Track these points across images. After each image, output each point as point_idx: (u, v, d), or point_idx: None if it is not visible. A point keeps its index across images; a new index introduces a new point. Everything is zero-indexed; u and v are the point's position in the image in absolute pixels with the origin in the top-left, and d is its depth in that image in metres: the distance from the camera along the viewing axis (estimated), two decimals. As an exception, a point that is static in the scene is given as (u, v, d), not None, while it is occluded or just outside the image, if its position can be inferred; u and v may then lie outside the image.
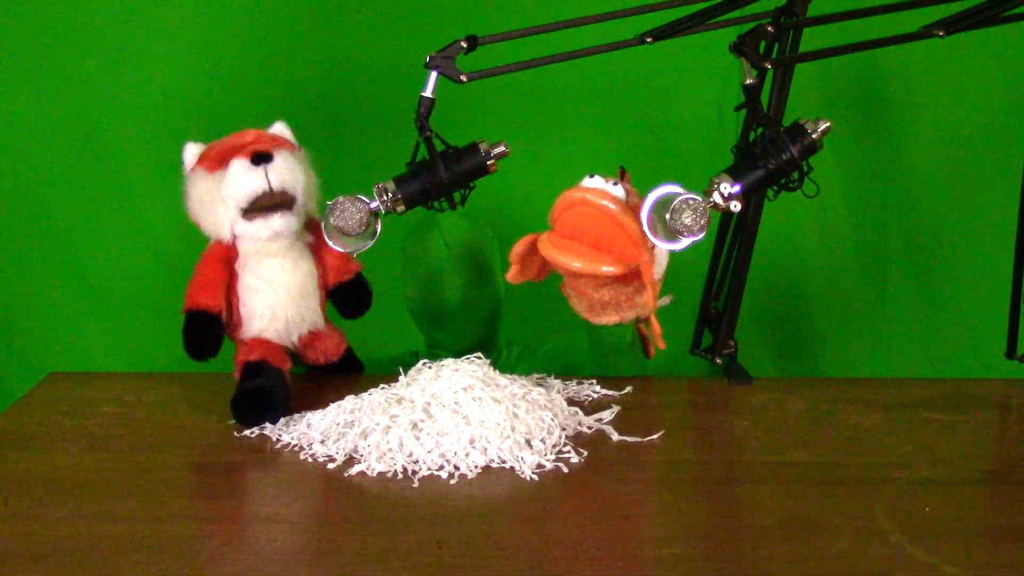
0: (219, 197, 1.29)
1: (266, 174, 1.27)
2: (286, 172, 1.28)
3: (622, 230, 1.24)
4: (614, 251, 1.25)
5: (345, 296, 1.40)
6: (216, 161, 1.29)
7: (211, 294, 1.30)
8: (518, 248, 1.31)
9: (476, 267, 1.52)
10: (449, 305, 1.50)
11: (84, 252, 1.81)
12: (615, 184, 1.27)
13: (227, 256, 1.32)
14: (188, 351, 1.30)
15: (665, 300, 1.35)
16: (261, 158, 1.28)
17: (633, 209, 1.25)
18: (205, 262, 1.32)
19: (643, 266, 1.25)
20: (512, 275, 1.32)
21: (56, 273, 1.81)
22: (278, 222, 1.29)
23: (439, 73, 1.18)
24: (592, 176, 1.28)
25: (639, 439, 1.20)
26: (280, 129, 1.36)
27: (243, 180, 1.27)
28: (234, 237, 1.31)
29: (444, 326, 1.53)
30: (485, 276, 1.53)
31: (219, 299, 1.30)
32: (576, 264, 1.25)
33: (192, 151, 1.32)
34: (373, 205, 1.21)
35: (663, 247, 1.19)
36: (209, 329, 1.30)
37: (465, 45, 1.18)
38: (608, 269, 1.25)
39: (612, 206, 1.24)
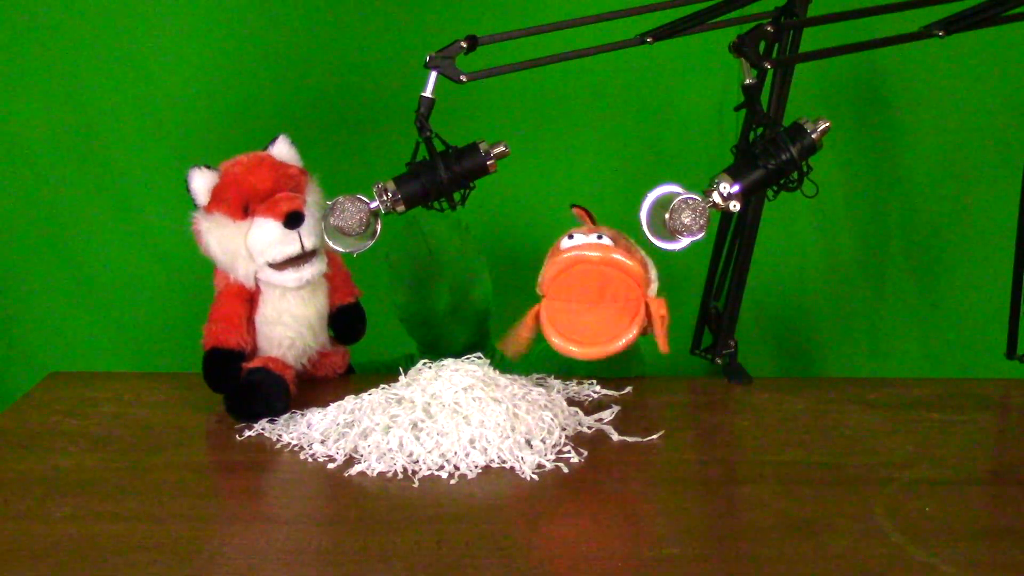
0: (243, 246, 1.28)
1: (300, 237, 1.27)
2: (316, 228, 1.28)
3: (625, 273, 1.23)
4: (618, 297, 1.24)
5: (344, 321, 1.40)
6: (238, 209, 1.27)
7: (233, 333, 1.30)
8: (524, 333, 1.29)
9: (461, 270, 1.52)
10: (437, 310, 1.51)
11: (84, 252, 1.81)
12: (599, 237, 1.25)
13: (247, 294, 1.32)
14: (209, 386, 1.31)
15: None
16: (295, 221, 1.26)
17: (624, 246, 1.25)
18: (224, 299, 1.32)
19: (653, 306, 1.24)
20: (514, 355, 1.31)
21: (56, 273, 1.81)
22: (308, 272, 1.29)
23: (439, 73, 1.18)
24: (571, 236, 1.26)
25: (639, 439, 1.20)
26: (284, 151, 1.33)
27: (277, 243, 1.26)
28: (256, 280, 1.31)
29: (434, 331, 1.53)
30: (471, 279, 1.53)
31: (241, 337, 1.31)
32: (594, 351, 1.25)
33: (199, 181, 1.28)
34: (373, 205, 1.21)
35: (663, 247, 1.19)
36: (231, 366, 1.30)
37: (465, 45, 1.18)
38: (625, 341, 1.24)
39: (613, 255, 1.23)
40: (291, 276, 1.29)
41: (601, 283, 1.25)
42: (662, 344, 1.29)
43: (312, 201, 1.30)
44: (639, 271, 1.24)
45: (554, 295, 1.25)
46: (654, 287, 1.29)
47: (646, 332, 1.29)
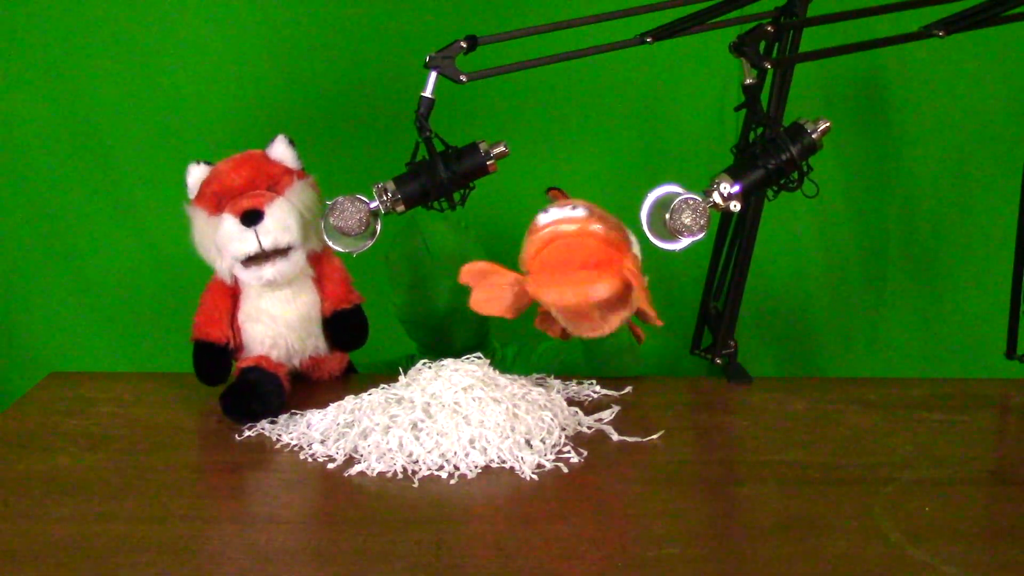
0: (215, 242, 1.28)
1: (256, 235, 1.26)
2: (278, 228, 1.27)
3: (603, 244, 1.21)
4: (600, 263, 1.22)
5: (341, 327, 1.38)
6: (212, 204, 1.29)
7: (215, 325, 1.32)
8: (470, 270, 1.24)
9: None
10: (437, 311, 1.50)
11: (84, 252, 1.81)
12: (573, 208, 1.22)
13: (229, 289, 1.32)
14: (198, 378, 1.32)
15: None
16: (251, 219, 1.26)
17: (598, 214, 1.23)
18: (209, 292, 1.33)
19: (629, 275, 1.22)
20: (475, 302, 1.25)
21: (56, 273, 1.81)
22: (270, 272, 1.28)
23: (439, 73, 1.18)
24: (547, 210, 1.23)
25: (639, 439, 1.20)
26: (280, 151, 1.33)
27: (234, 240, 1.26)
28: (234, 276, 1.31)
29: (434, 332, 1.53)
30: None
31: (223, 329, 1.32)
32: (570, 295, 1.20)
33: (195, 175, 1.31)
34: (373, 205, 1.21)
35: (663, 247, 1.19)
36: (215, 358, 1.32)
37: (465, 45, 1.18)
38: (603, 290, 1.20)
39: (591, 227, 1.20)
40: (253, 275, 1.28)
41: (583, 254, 1.22)
42: (643, 305, 1.23)
43: (296, 202, 1.30)
44: (616, 236, 1.22)
45: (538, 270, 1.24)
46: (636, 250, 1.27)
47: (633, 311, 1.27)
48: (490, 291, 1.25)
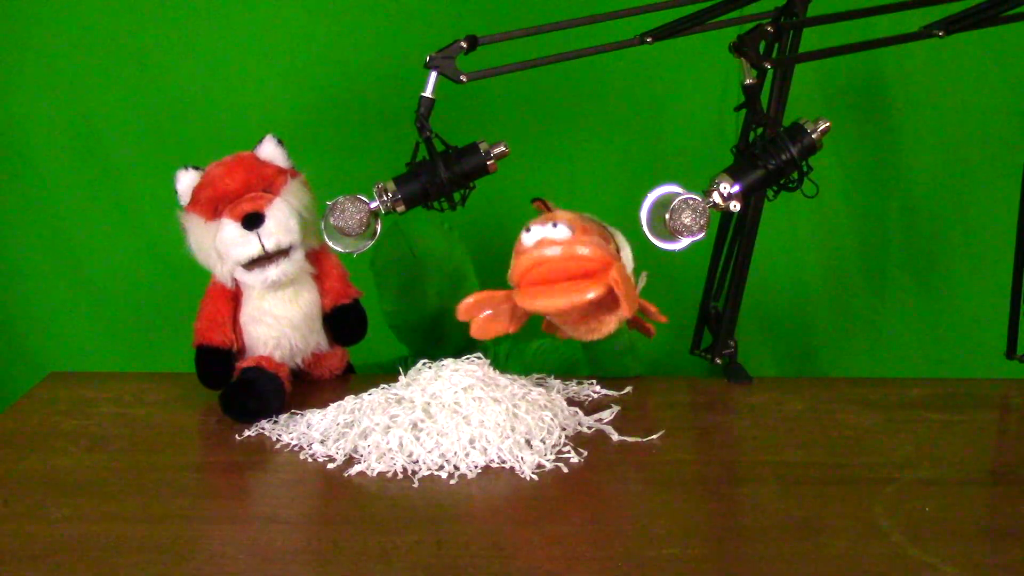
0: (215, 248, 1.28)
1: (259, 238, 1.26)
2: (280, 229, 1.26)
3: (587, 261, 1.20)
4: (587, 276, 1.22)
5: (341, 322, 1.38)
6: (209, 209, 1.28)
7: (217, 330, 1.31)
8: (465, 304, 1.25)
9: (447, 273, 1.51)
10: (425, 314, 1.50)
11: (84, 252, 1.81)
12: (554, 226, 1.20)
13: (230, 293, 1.32)
14: (201, 383, 1.32)
15: (641, 281, 1.33)
16: (252, 222, 1.26)
17: (581, 228, 1.22)
18: (209, 297, 1.33)
19: (613, 284, 1.19)
20: (476, 331, 1.26)
21: (56, 273, 1.81)
22: (274, 273, 1.28)
23: (439, 73, 1.18)
24: (529, 230, 1.21)
25: (639, 439, 1.20)
26: (271, 150, 1.33)
27: (236, 244, 1.26)
28: (235, 279, 1.31)
29: (425, 334, 1.53)
30: (457, 280, 1.52)
31: (226, 334, 1.32)
32: (562, 302, 1.20)
33: (184, 182, 1.31)
34: (373, 205, 1.21)
35: (663, 247, 1.19)
36: (219, 363, 1.31)
37: (465, 45, 1.18)
38: (592, 295, 1.19)
39: (576, 249, 1.19)
40: (257, 277, 1.28)
41: (567, 275, 1.22)
42: (656, 315, 1.29)
43: (293, 202, 1.30)
44: (601, 253, 1.21)
45: (526, 285, 1.23)
46: (625, 253, 1.27)
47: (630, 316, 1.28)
48: (486, 316, 1.26)
